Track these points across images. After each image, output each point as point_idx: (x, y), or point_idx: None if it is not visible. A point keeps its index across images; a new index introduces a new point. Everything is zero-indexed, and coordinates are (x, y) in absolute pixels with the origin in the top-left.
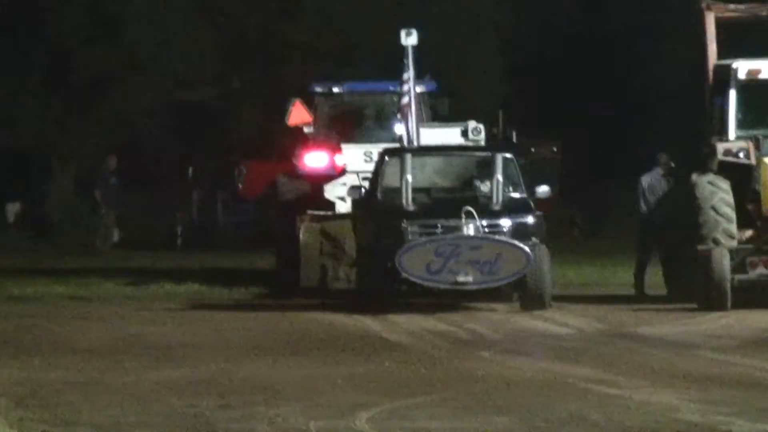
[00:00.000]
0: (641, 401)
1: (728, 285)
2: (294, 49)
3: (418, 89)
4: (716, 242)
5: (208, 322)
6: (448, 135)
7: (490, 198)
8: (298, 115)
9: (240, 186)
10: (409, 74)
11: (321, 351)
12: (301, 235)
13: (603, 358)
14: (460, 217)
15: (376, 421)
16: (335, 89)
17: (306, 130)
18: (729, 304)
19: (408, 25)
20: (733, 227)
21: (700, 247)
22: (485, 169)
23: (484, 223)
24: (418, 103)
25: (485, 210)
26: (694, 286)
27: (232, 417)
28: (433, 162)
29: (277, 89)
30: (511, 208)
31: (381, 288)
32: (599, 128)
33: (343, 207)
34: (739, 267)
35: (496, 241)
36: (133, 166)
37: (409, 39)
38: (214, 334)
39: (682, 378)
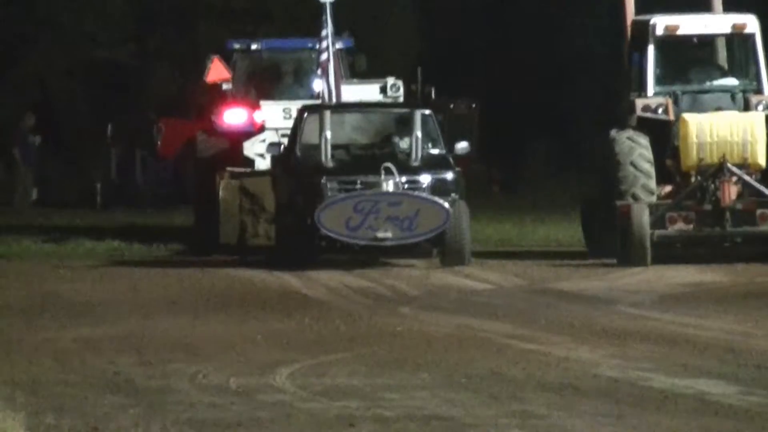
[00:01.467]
0: (560, 357)
1: (647, 240)
2: (209, 8)
3: (336, 46)
4: (635, 198)
5: (127, 279)
6: (367, 92)
7: (409, 154)
8: (217, 72)
9: (158, 144)
10: (327, 31)
11: (240, 308)
12: (220, 192)
13: (522, 314)
14: (379, 174)
15: (295, 377)
16: (253, 46)
17: (224, 87)
18: (648, 260)
19: None
20: (653, 183)
21: (619, 203)
22: (404, 126)
23: (403, 179)
24: (336, 60)
25: (404, 166)
26: (613, 242)
27: (152, 374)
28: (352, 119)
29: (193, 47)
30: (430, 164)
31: (300, 244)
32: (518, 85)
33: (263, 164)
34: (658, 222)
35: (415, 197)
36: (51, 124)
37: None
38: (133, 291)
39: (601, 333)
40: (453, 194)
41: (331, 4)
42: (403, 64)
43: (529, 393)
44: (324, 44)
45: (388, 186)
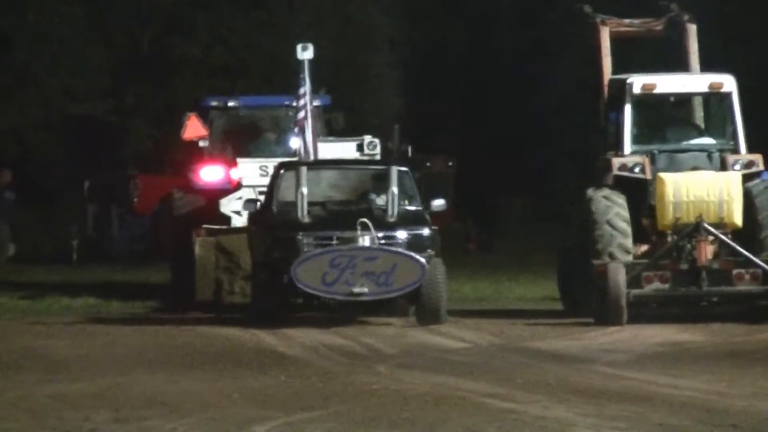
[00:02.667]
0: (536, 416)
1: (624, 300)
2: (186, 64)
3: (314, 103)
4: (612, 257)
5: (103, 336)
6: (344, 149)
7: (385, 210)
8: (193, 129)
9: (135, 200)
10: (306, 88)
11: (216, 365)
12: (196, 249)
13: (498, 373)
14: (355, 229)
15: None
16: (230, 103)
17: (201, 144)
18: (624, 319)
19: (301, 40)
20: (629, 242)
21: (595, 262)
22: (381, 183)
23: (380, 234)
24: (313, 118)
25: (380, 222)
26: (589, 301)
27: (128, 431)
28: (328, 176)
29: (169, 103)
30: (407, 220)
31: (275, 301)
32: (494, 143)
33: (239, 221)
34: (634, 282)
35: (391, 252)
36: (27, 180)
37: (305, 53)
38: (109, 348)
39: (577, 393)
40: (429, 250)
41: (309, 61)
42: (380, 121)
43: None
44: (302, 101)
45: (365, 241)
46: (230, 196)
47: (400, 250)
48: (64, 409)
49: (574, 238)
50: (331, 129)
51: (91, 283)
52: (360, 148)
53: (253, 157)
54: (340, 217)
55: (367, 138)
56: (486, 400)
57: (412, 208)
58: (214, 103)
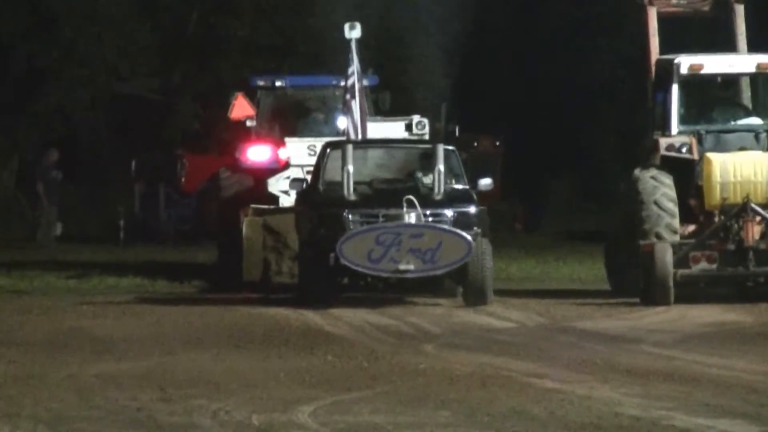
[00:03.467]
0: (583, 396)
1: (671, 280)
2: (233, 44)
3: (362, 83)
4: (659, 237)
5: (150, 315)
6: (393, 129)
7: (431, 189)
8: (241, 108)
9: (182, 179)
10: (354, 68)
11: (263, 345)
12: (244, 229)
13: (545, 353)
14: (401, 206)
15: (318, 415)
16: (277, 83)
17: (248, 123)
18: (671, 299)
19: (349, 19)
20: (676, 222)
21: (642, 242)
22: (427, 162)
23: (426, 212)
24: (362, 97)
25: (426, 200)
26: (636, 281)
27: (174, 411)
28: (374, 155)
29: (216, 83)
30: (453, 198)
31: (321, 281)
32: (541, 123)
33: (287, 201)
34: (681, 262)
35: (437, 228)
36: (75, 159)
37: (353, 32)
38: (155, 327)
39: (623, 373)
40: (475, 228)
41: (357, 40)
42: (427, 101)
43: None
44: (350, 81)
45: (410, 218)
46: (278, 176)
47: (445, 226)
48: (111, 389)
49: (622, 219)
50: (378, 109)
51: (138, 262)
52: (409, 127)
53: (300, 136)
54: (386, 194)
55: (416, 118)
56: (532, 380)
57: (459, 186)
58: (261, 83)
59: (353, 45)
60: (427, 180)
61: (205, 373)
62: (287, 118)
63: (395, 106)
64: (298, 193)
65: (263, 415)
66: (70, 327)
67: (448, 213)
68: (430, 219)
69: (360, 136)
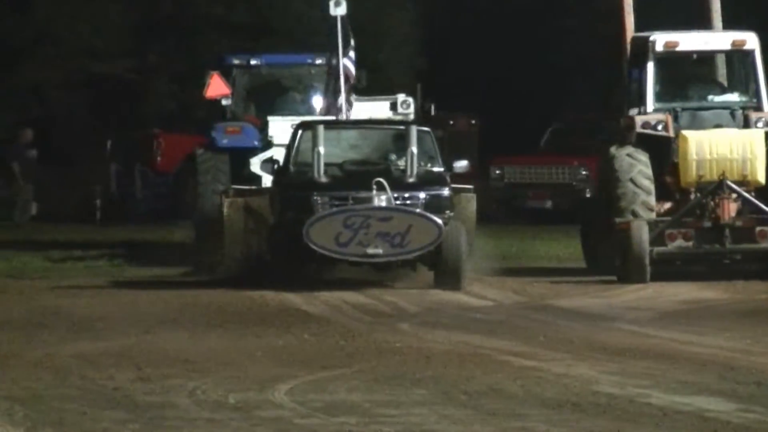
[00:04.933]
0: (559, 373)
1: (647, 257)
2: (209, 23)
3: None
4: (635, 215)
5: (126, 295)
6: (377, 108)
7: (404, 171)
8: (216, 87)
9: (157, 159)
10: (339, 45)
11: (240, 324)
12: (224, 211)
13: (521, 331)
14: (370, 189)
15: (294, 393)
16: (252, 61)
17: (224, 102)
18: (647, 277)
19: None
20: (652, 200)
21: (618, 220)
22: (401, 143)
23: (396, 195)
24: (342, 75)
25: (398, 182)
26: (612, 259)
27: (151, 390)
28: (347, 136)
29: (192, 62)
30: (426, 181)
31: (290, 263)
32: (517, 101)
33: (270, 181)
34: (657, 239)
35: (406, 212)
36: (49, 139)
37: (338, 9)
38: (132, 307)
39: (600, 350)
40: (447, 212)
41: (342, 17)
42: (403, 79)
43: (528, 409)
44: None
45: (380, 201)
46: (261, 155)
47: (415, 210)
48: (88, 368)
49: (597, 196)
50: (354, 87)
51: (115, 242)
52: (394, 107)
53: (276, 115)
54: (356, 177)
55: (401, 97)
56: (509, 358)
57: (433, 169)
58: (236, 61)
59: (338, 21)
60: (400, 162)
61: (181, 352)
62: (263, 97)
63: (371, 85)
64: (274, 174)
65: (239, 394)
66: (47, 306)
67: (420, 196)
68: (400, 202)
69: (344, 116)
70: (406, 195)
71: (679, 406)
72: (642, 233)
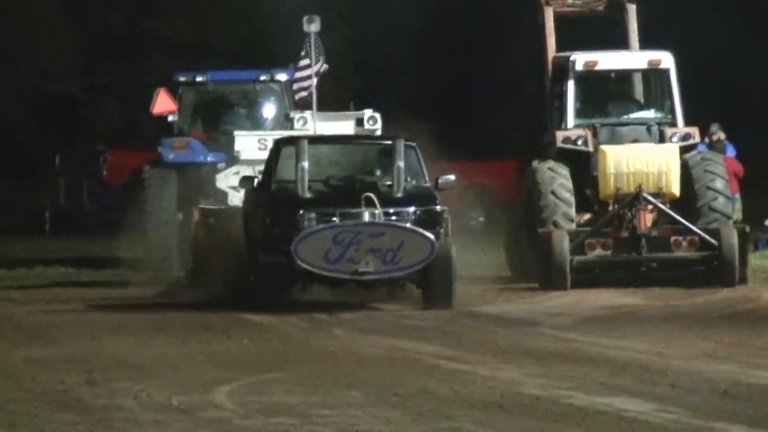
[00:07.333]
0: (486, 376)
1: (568, 266)
2: (156, 43)
3: (281, 78)
4: (556, 225)
5: (76, 303)
6: (342, 125)
7: (390, 186)
8: (163, 103)
9: (104, 173)
10: (312, 61)
11: (183, 330)
12: (192, 231)
13: (450, 336)
14: (359, 205)
15: (234, 395)
16: (198, 78)
17: (170, 118)
18: (568, 284)
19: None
20: (572, 211)
21: (541, 230)
22: (386, 158)
23: (386, 210)
24: (289, 93)
25: (386, 198)
26: (535, 268)
27: (99, 393)
28: (330, 151)
29: (140, 81)
30: (414, 196)
31: (275, 284)
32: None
33: (236, 197)
34: (577, 249)
35: (398, 228)
36: (1, 153)
37: (312, 26)
38: (82, 314)
39: (525, 354)
40: (438, 228)
41: (316, 33)
42: (338, 96)
43: (457, 410)
44: (305, 73)
45: (370, 217)
46: (227, 171)
47: (407, 225)
48: (40, 372)
49: (522, 208)
50: (296, 103)
51: (64, 253)
52: (360, 123)
53: (221, 130)
54: (343, 192)
55: (368, 112)
56: (439, 362)
57: (420, 184)
58: (182, 78)
59: (312, 38)
60: (387, 177)
61: (128, 356)
62: (209, 113)
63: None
64: (247, 193)
65: (182, 396)
66: (1, 314)
67: (410, 211)
68: (391, 218)
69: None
70: (396, 210)
71: (599, 407)
72: (563, 243)
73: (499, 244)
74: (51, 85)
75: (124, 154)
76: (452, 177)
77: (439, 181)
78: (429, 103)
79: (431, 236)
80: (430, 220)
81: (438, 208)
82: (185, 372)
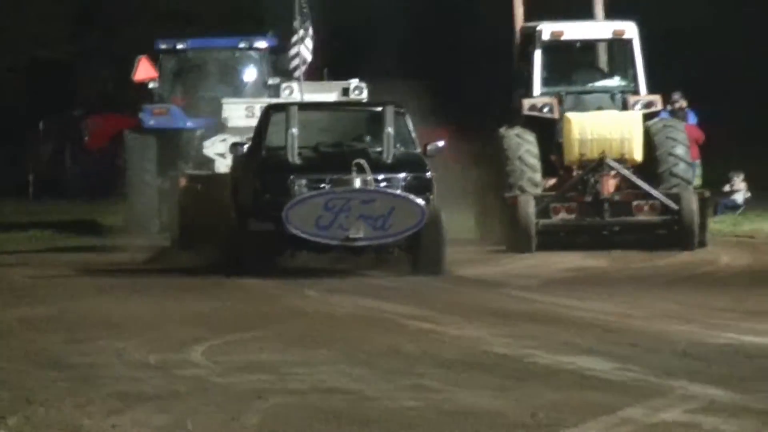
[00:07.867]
0: (454, 335)
1: (533, 229)
2: (140, 11)
3: (261, 45)
4: (522, 190)
5: (60, 267)
6: (328, 95)
7: (381, 153)
8: (144, 71)
9: (85, 138)
10: (306, 25)
11: (164, 290)
12: (179, 198)
13: (419, 297)
14: (350, 171)
15: (209, 353)
16: (179, 45)
17: (151, 85)
18: (534, 247)
19: None
20: (538, 176)
21: (507, 195)
22: (375, 125)
23: (376, 176)
24: (267, 61)
25: (377, 164)
26: (502, 231)
27: (81, 351)
28: (319, 118)
29: (124, 48)
30: (404, 162)
31: (264, 251)
32: (429, 84)
33: (223, 164)
34: (543, 213)
35: (389, 194)
36: None
37: None
38: (67, 276)
39: (491, 314)
40: (428, 194)
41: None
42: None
43: (424, 368)
44: (295, 46)
45: (360, 183)
46: (214, 138)
47: (398, 192)
48: (27, 331)
49: (489, 173)
50: (276, 70)
51: (48, 216)
52: (346, 92)
53: (199, 97)
54: (333, 159)
55: (354, 82)
56: (408, 321)
57: (409, 150)
58: (163, 46)
59: (297, 4)
60: (376, 143)
61: (109, 316)
62: (189, 80)
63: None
64: (235, 159)
65: (159, 354)
66: None
67: (400, 177)
68: (382, 184)
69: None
70: (387, 177)
71: (562, 365)
72: (529, 207)
73: (463, 209)
74: (39, 50)
75: (105, 119)
76: (441, 143)
77: (428, 147)
78: (409, 68)
79: (422, 202)
80: (420, 187)
81: (428, 174)
82: (163, 331)
